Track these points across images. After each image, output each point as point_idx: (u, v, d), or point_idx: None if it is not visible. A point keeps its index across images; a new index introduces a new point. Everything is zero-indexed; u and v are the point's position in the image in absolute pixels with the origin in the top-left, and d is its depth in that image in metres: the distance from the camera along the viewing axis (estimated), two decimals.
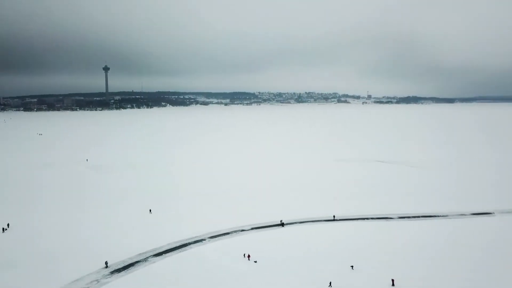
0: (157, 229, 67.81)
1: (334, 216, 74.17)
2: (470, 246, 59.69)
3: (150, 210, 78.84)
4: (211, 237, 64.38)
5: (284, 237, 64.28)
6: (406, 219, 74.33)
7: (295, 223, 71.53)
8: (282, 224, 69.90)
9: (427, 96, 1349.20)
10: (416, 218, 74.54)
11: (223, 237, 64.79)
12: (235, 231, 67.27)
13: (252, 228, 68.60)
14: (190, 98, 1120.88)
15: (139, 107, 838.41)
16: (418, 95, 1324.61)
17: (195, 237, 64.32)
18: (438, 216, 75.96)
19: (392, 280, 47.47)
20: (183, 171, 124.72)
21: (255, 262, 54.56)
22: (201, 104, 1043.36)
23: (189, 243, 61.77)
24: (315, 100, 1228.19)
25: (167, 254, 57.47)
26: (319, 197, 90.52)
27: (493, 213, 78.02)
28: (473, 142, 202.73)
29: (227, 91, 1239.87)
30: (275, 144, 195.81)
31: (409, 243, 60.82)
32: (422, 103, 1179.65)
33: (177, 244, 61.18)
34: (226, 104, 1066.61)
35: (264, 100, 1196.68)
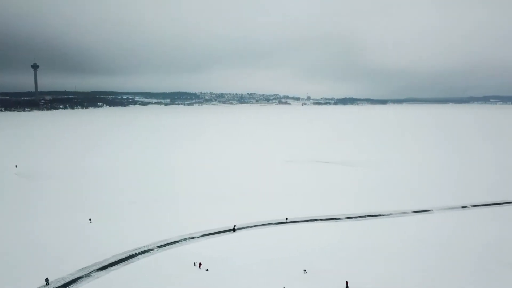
0: (100, 240, 62.98)
1: (287, 219, 73.99)
2: (417, 243, 62.20)
3: (90, 220, 73.39)
4: (160, 246, 61.09)
5: (236, 243, 62.68)
6: (353, 219, 76.10)
7: (247, 227, 70.26)
8: (233, 230, 68.45)
9: (363, 97, 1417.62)
10: (362, 218, 76.56)
11: (173, 245, 61.75)
12: (185, 239, 64.45)
13: (203, 235, 66.15)
14: (128, 98, 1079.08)
15: (73, 108, 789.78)
16: (354, 97, 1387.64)
17: (143, 247, 60.63)
18: (383, 215, 78.74)
19: (346, 282, 47.80)
20: (123, 178, 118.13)
21: (207, 270, 52.49)
22: (140, 104, 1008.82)
23: (136, 254, 58.07)
24: (257, 101, 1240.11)
25: (113, 268, 53.36)
26: (271, 199, 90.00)
27: (432, 210, 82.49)
28: (407, 142, 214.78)
29: (168, 91, 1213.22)
30: (221, 148, 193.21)
31: (359, 243, 62.03)
32: (358, 104, 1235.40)
33: (123, 256, 57.21)
34: (166, 105, 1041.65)
35: (206, 101, 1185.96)
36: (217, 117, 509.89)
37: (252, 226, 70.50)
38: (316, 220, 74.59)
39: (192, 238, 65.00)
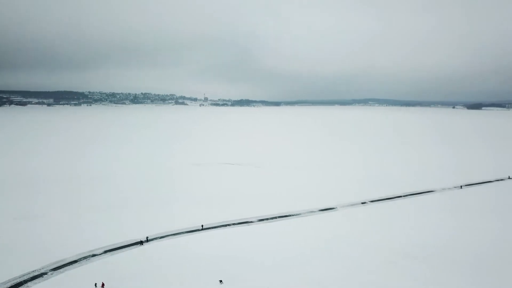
0: None
1: (202, 226, 70.27)
2: (326, 240, 63.84)
3: None
4: (54, 269, 52.62)
5: (144, 257, 57.00)
6: (265, 221, 75.70)
7: (158, 238, 64.92)
8: (141, 242, 62.42)
9: (258, 99, 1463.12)
10: (274, 220, 76.61)
11: (70, 266, 53.61)
12: (85, 257, 56.65)
13: (106, 251, 59.17)
14: (2, 98, 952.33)
15: None
16: (250, 98, 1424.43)
17: (33, 271, 51.46)
18: (292, 215, 79.93)
19: None
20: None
21: None
22: (16, 104, 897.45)
23: (25, 281, 49.08)
24: (152, 101, 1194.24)
25: None
26: (184, 205, 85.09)
27: (336, 207, 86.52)
28: (308, 142, 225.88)
29: (50, 90, 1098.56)
30: (121, 151, 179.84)
31: (272, 246, 61.35)
32: (253, 106, 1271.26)
33: (8, 285, 47.97)
34: (49, 105, 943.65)
35: (96, 101, 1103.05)
36: (108, 118, 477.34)
37: (162, 237, 65.34)
38: (229, 225, 72.40)
39: (93, 255, 57.53)
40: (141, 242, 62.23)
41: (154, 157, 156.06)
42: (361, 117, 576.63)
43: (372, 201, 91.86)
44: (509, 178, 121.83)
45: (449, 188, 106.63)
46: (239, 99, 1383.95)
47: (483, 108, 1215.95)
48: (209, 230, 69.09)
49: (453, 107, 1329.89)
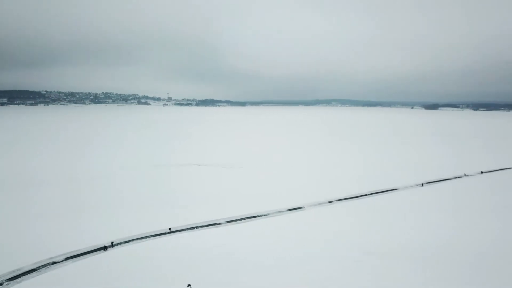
0: None
1: (170, 229, 68.43)
2: (294, 239, 63.94)
3: None
4: (10, 279, 49.26)
5: (109, 263, 54.62)
6: (233, 222, 74.96)
7: (123, 243, 62.54)
8: (105, 248, 59.92)
9: (223, 99, 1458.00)
10: (242, 220, 76.04)
11: (28, 276, 50.56)
12: (44, 265, 53.64)
13: (67, 258, 56.31)
14: None
15: None
16: (215, 98, 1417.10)
17: None
18: (261, 215, 79.65)
19: None
20: None
21: None
22: None
23: None
24: (113, 101, 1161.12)
25: None
26: (151, 208, 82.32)
27: (304, 207, 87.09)
28: (275, 141, 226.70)
29: (3, 89, 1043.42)
30: (81, 153, 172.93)
31: (242, 247, 60.69)
32: (218, 106, 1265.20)
33: None
34: (3, 105, 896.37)
35: (53, 100, 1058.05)
36: (67, 118, 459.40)
37: (128, 241, 63.07)
38: (197, 227, 71.03)
39: (54, 263, 54.64)
40: (105, 248, 59.74)
41: (118, 159, 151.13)
42: (325, 117, 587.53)
43: (338, 200, 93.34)
44: (465, 175, 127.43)
45: (411, 186, 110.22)
46: (203, 99, 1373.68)
47: (439, 108, 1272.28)
48: (177, 233, 67.48)
49: (412, 107, 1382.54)
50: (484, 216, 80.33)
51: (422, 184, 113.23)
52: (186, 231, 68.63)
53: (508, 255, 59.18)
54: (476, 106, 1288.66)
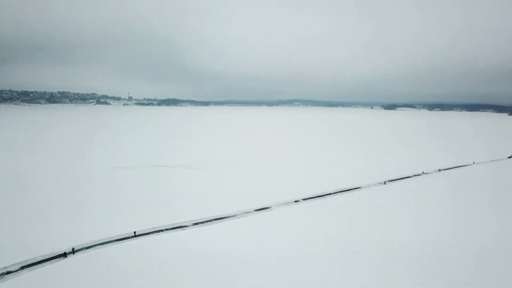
0: None
1: (135, 233, 66.01)
2: (262, 240, 63.55)
3: None
4: None
5: (69, 271, 51.80)
6: (200, 224, 73.56)
7: (85, 248, 59.57)
8: (65, 254, 56.85)
9: (186, 98, 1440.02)
10: (209, 222, 74.73)
11: None
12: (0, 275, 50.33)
13: (23, 267, 52.74)
14: None
15: None
16: (177, 98, 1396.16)
17: None
18: (228, 217, 78.69)
19: None
20: None
21: None
22: None
23: None
24: (71, 100, 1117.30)
25: None
26: (114, 211, 79.17)
27: (271, 207, 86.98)
28: (239, 141, 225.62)
29: None
30: (37, 154, 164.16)
31: (208, 251, 59.23)
32: (181, 105, 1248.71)
33: None
34: None
35: (5, 100, 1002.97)
36: (20, 119, 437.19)
37: (90, 247, 60.20)
38: (162, 230, 69.06)
39: (8, 273, 51.17)
40: (65, 254, 56.67)
41: (77, 161, 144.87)
42: (289, 117, 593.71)
43: (304, 199, 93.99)
44: (423, 173, 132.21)
45: (374, 185, 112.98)
46: (166, 98, 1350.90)
47: (397, 108, 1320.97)
48: (142, 236, 65.26)
49: (371, 108, 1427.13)
50: (444, 212, 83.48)
51: (384, 182, 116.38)
52: (151, 234, 66.57)
53: (463, 247, 61.73)
54: (431, 106, 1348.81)
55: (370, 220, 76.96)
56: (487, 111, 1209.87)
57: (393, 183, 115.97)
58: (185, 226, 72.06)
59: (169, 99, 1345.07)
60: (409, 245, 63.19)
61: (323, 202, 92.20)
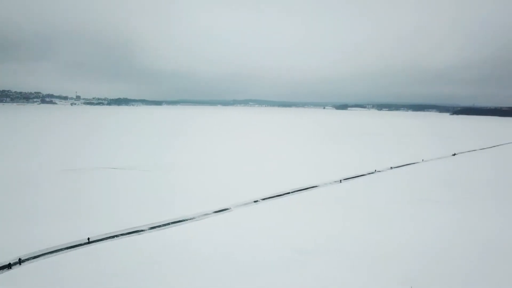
0: None
1: (88, 239, 62.12)
2: (223, 243, 62.22)
3: None
4: None
5: (14, 285, 47.83)
6: (157, 228, 70.90)
7: (33, 258, 55.14)
8: (9, 266, 52.36)
9: (137, 98, 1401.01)
10: (167, 226, 72.20)
11: None
12: None
13: None
14: None
15: None
16: (128, 97, 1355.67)
17: None
18: (187, 220, 76.52)
19: None
20: None
21: None
22: None
23: None
24: (12, 99, 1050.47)
25: None
26: (65, 217, 74.10)
27: (230, 208, 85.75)
28: (194, 142, 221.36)
29: None
30: None
31: (166, 258, 56.94)
32: (133, 105, 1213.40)
33: None
34: None
35: None
36: None
37: (38, 256, 55.92)
38: (118, 236, 65.77)
39: None
40: (9, 266, 52.23)
41: (22, 164, 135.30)
42: (244, 117, 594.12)
43: (263, 199, 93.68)
44: (376, 171, 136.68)
45: (331, 183, 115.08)
46: (116, 98, 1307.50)
47: (348, 108, 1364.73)
48: (97, 243, 61.69)
49: (324, 108, 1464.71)
50: (397, 208, 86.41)
51: (340, 180, 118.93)
52: (106, 240, 63.18)
53: (415, 240, 64.08)
54: (380, 106, 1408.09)
55: (327, 218, 78.01)
56: (431, 110, 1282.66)
57: (348, 181, 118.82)
58: (142, 230, 69.19)
59: (120, 98, 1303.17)
60: (361, 242, 64.56)
61: (282, 202, 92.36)
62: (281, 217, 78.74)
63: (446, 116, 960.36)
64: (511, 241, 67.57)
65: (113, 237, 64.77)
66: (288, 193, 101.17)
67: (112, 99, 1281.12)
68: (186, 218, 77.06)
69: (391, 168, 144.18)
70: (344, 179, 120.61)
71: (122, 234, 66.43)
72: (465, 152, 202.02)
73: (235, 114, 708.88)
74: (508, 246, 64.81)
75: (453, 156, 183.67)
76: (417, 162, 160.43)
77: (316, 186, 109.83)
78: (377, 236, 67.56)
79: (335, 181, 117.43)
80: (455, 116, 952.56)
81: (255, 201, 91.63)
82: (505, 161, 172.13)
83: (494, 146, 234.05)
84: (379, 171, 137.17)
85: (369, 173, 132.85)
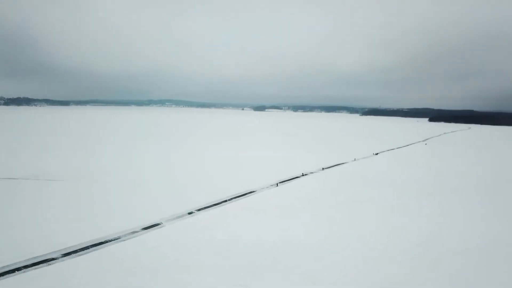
0: None
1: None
2: (154, 267, 50.88)
3: None
4: None
5: None
6: (72, 255, 56.52)
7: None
8: None
9: (41, 98, 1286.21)
10: (84, 251, 57.84)
11: None
12: None
13: None
14: None
15: None
16: (30, 97, 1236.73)
17: None
18: (109, 240, 62.85)
19: None
20: None
21: None
22: None
23: None
24: None
25: None
26: None
27: (161, 223, 73.55)
28: (112, 148, 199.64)
29: None
30: None
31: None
32: (35, 105, 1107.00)
33: None
34: None
35: None
36: None
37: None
38: (20, 268, 50.35)
39: None
40: None
41: None
42: (164, 119, 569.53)
43: (199, 210, 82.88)
44: (303, 175, 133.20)
45: (267, 187, 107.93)
46: (15, 97, 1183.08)
47: (266, 110, 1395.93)
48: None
49: (242, 109, 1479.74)
50: (336, 208, 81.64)
51: (277, 184, 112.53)
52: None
53: (354, 242, 59.03)
54: (296, 107, 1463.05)
55: (270, 222, 69.83)
56: (342, 112, 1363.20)
57: (284, 184, 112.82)
58: (52, 259, 54.37)
59: (19, 97, 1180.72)
60: (300, 243, 57.74)
61: (219, 211, 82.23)
62: (217, 226, 68.38)
63: (357, 116, 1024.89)
64: (448, 239, 65.90)
65: (13, 270, 49.33)
66: (226, 200, 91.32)
67: (11, 99, 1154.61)
68: (109, 238, 63.19)
69: (323, 169, 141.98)
70: (280, 182, 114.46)
71: (25, 267, 51.24)
72: (384, 151, 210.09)
73: (151, 115, 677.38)
74: (444, 244, 62.66)
75: (376, 155, 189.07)
76: (346, 162, 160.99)
77: (254, 191, 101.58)
78: (317, 236, 61.15)
79: (271, 185, 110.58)
80: (364, 117, 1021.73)
81: (189, 213, 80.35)
82: (426, 159, 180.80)
83: (408, 145, 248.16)
84: (312, 172, 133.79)
85: (304, 175, 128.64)
